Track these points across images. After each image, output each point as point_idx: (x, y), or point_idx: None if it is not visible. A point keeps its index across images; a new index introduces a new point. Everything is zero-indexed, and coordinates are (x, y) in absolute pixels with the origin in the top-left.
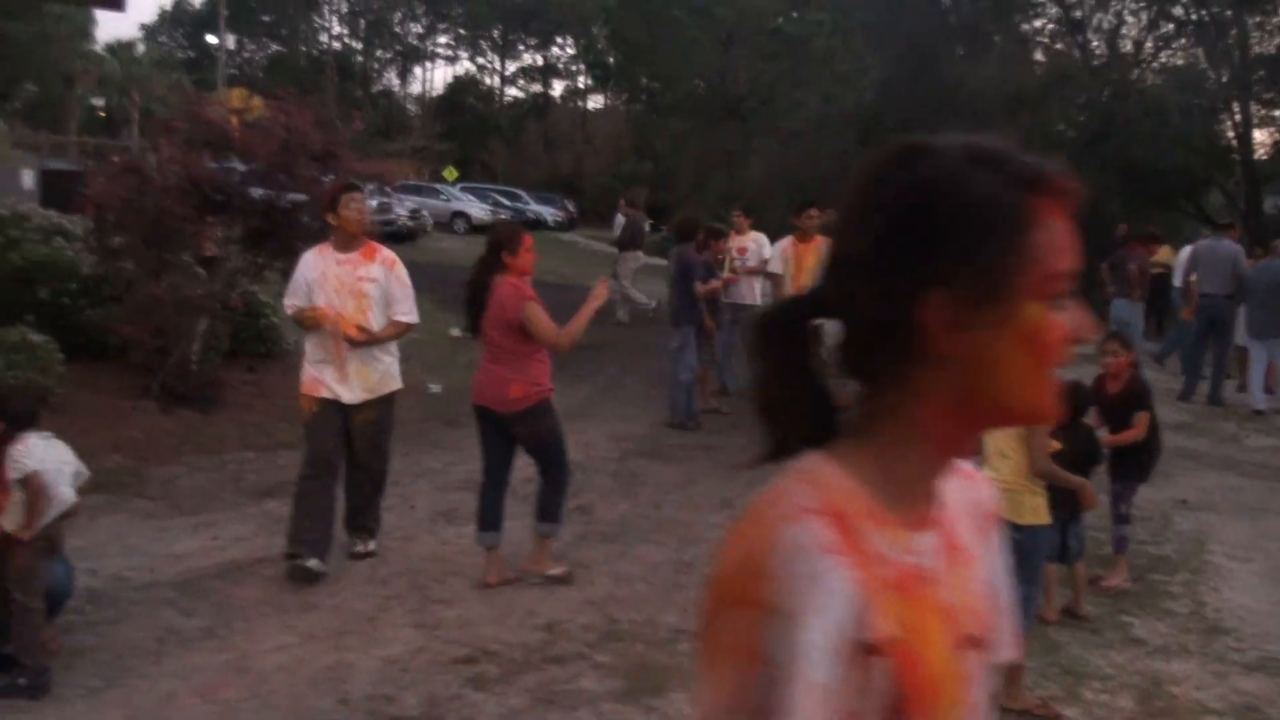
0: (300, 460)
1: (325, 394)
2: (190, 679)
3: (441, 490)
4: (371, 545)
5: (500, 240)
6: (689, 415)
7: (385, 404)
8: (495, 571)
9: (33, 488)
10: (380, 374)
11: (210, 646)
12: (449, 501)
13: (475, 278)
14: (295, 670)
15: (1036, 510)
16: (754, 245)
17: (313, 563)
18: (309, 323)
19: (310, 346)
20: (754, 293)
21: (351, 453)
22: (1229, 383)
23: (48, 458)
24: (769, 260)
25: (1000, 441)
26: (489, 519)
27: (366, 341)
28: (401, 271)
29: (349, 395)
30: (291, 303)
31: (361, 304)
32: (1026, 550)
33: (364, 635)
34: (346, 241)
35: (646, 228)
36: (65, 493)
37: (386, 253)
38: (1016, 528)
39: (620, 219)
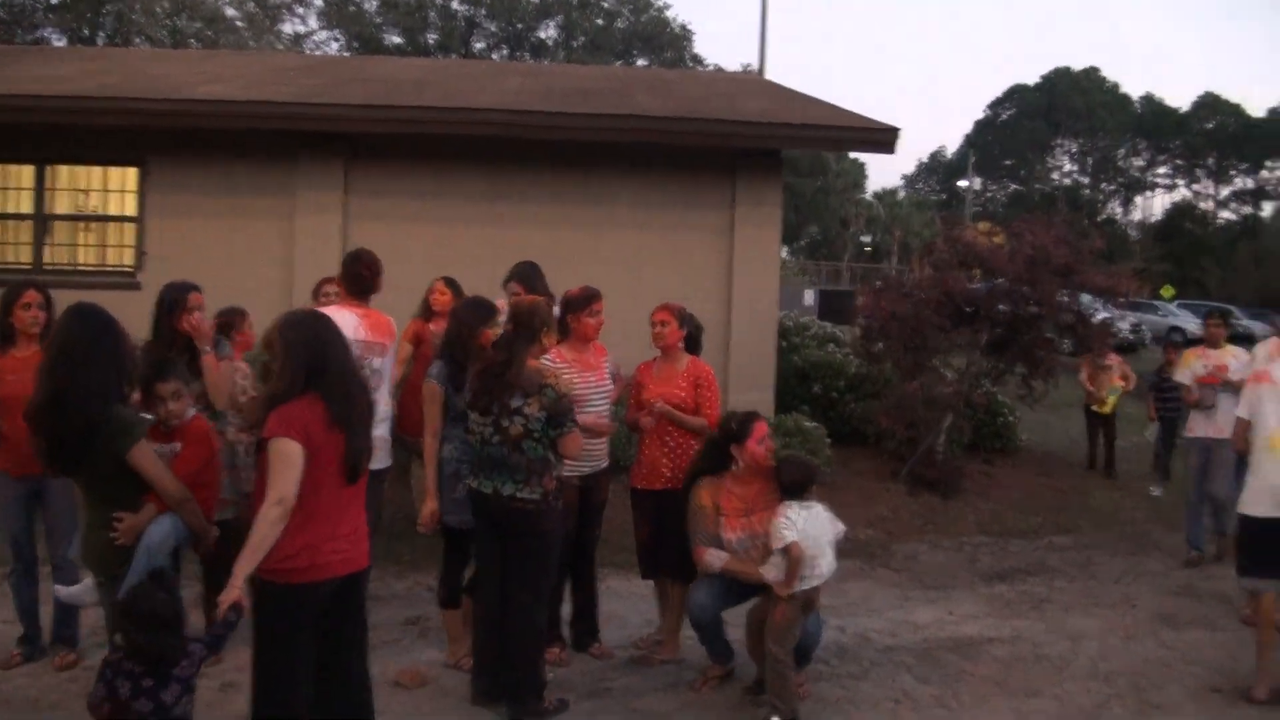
0: None
1: None
2: None
3: (1162, 594)
4: None
5: None
6: None
7: None
8: None
9: (792, 556)
10: None
11: (939, 716)
12: (1170, 605)
13: None
14: None
15: None
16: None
17: None
18: None
19: None
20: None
21: None
22: None
23: (807, 529)
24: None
25: None
26: None
27: None
28: None
29: None
30: None
31: None
32: None
33: None
34: None
35: None
36: (824, 564)
37: None
38: None
39: None
